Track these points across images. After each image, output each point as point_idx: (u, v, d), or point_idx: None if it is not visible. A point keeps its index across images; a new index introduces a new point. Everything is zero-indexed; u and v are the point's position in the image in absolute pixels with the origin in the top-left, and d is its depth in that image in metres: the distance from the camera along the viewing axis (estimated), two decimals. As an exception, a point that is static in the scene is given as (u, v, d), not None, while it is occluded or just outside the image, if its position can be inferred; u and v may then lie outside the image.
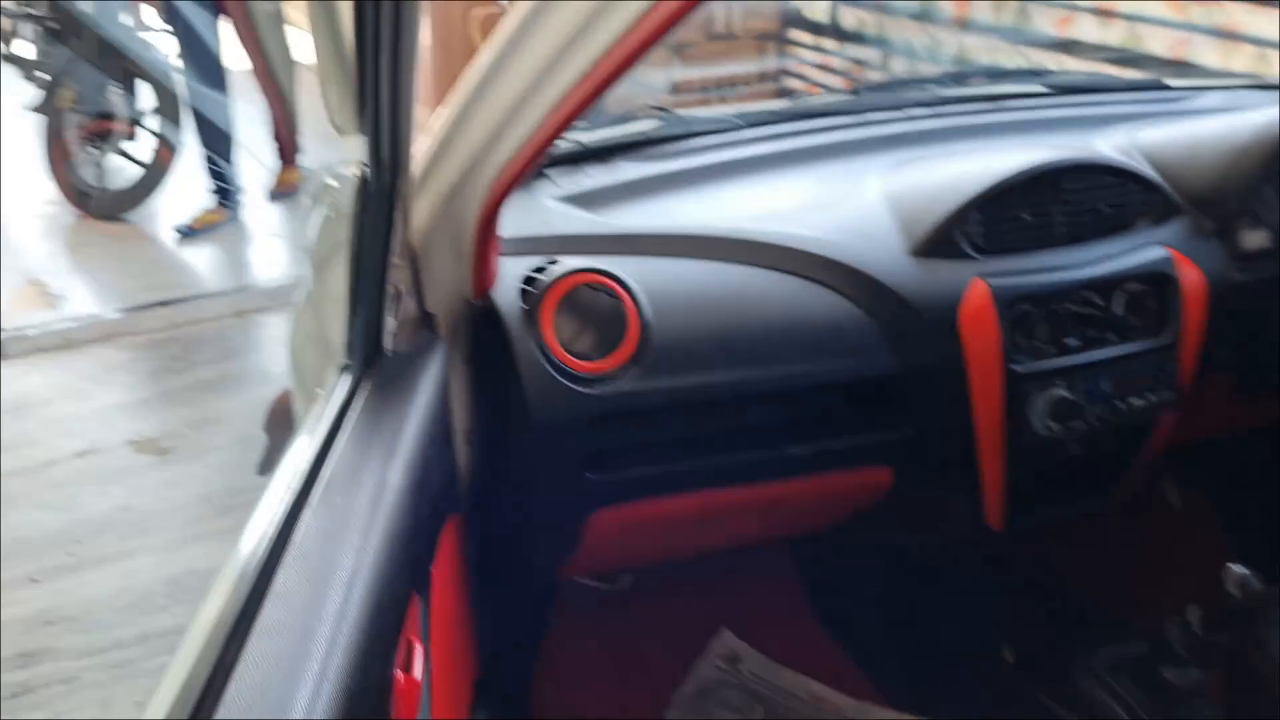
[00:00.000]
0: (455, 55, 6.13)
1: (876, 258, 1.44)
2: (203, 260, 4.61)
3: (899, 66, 5.14)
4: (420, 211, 1.25)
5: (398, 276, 1.19)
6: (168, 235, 4.79)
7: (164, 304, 4.05)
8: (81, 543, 2.81)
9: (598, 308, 1.34)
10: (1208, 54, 3.94)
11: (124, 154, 4.81)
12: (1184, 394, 1.56)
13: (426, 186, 1.24)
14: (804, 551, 2.17)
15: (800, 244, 1.43)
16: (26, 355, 3.74)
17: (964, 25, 4.78)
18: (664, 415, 1.37)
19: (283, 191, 5.15)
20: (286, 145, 5.11)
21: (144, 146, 4.83)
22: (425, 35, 6.16)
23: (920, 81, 1.96)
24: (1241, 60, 3.86)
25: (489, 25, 5.36)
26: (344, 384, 1.10)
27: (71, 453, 3.21)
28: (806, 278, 1.43)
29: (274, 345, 3.87)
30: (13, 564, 2.72)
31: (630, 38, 0.94)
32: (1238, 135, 1.61)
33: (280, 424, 2.07)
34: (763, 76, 5.62)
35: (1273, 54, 3.74)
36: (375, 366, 1.12)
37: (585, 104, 1.02)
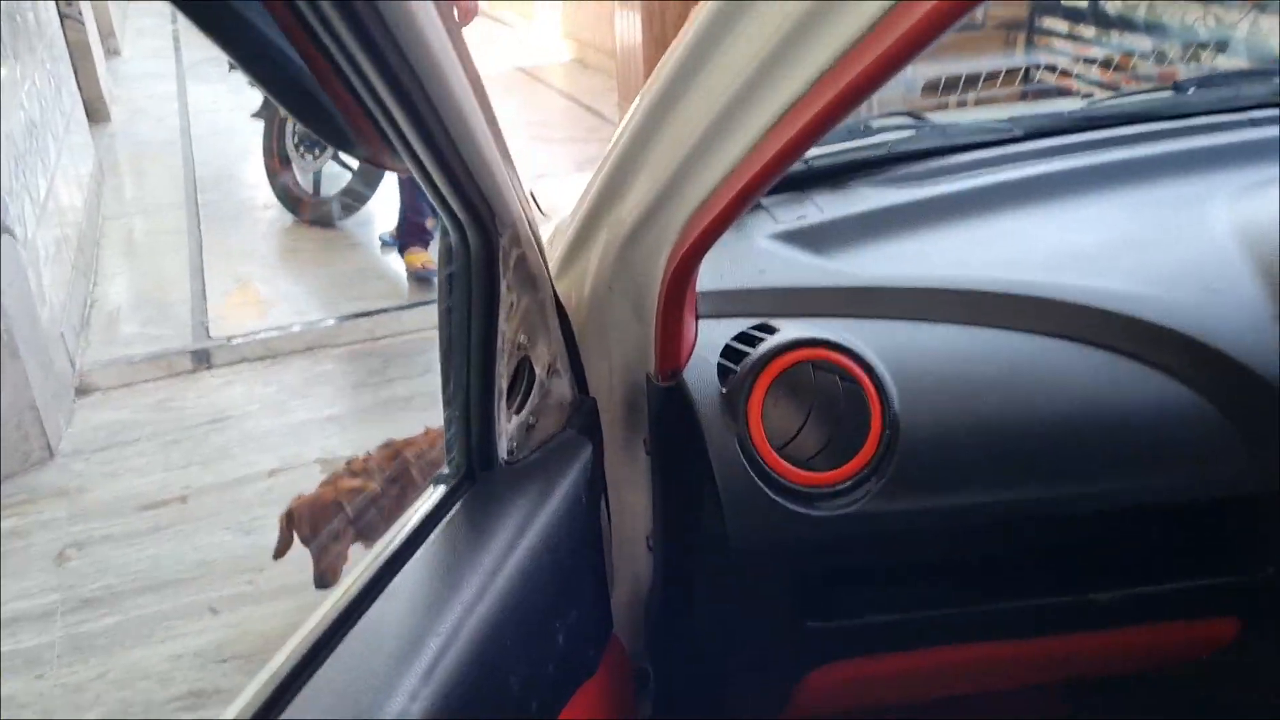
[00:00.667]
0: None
1: (1229, 324, 1.02)
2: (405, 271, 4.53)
3: (1175, 54, 4.47)
4: (589, 261, 0.93)
5: (539, 353, 0.88)
6: (375, 244, 4.74)
7: (366, 315, 3.96)
8: (262, 571, 2.68)
9: (826, 395, 0.98)
10: None
11: (340, 162, 4.80)
12: None
13: (598, 227, 0.92)
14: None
15: (1114, 303, 1.03)
16: (232, 365, 3.72)
17: (1260, 6, 4.07)
18: (916, 544, 1.00)
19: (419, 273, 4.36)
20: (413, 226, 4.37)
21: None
22: (634, 32, 5.92)
23: (1265, 74, 1.47)
24: None
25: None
26: (431, 503, 0.81)
27: (264, 470, 3.12)
28: (1124, 353, 1.02)
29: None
30: (195, 589, 2.62)
31: (892, 25, 0.59)
32: None
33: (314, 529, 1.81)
34: (1014, 74, 5.05)
35: None
36: (479, 482, 0.82)
37: (826, 122, 0.68)
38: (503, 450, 0.84)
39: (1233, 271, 1.06)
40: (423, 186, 0.71)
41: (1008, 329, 1.04)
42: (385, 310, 4.01)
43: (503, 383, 0.81)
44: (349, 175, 4.80)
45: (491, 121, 0.74)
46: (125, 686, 2.32)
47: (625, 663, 1.08)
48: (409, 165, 0.69)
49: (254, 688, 0.67)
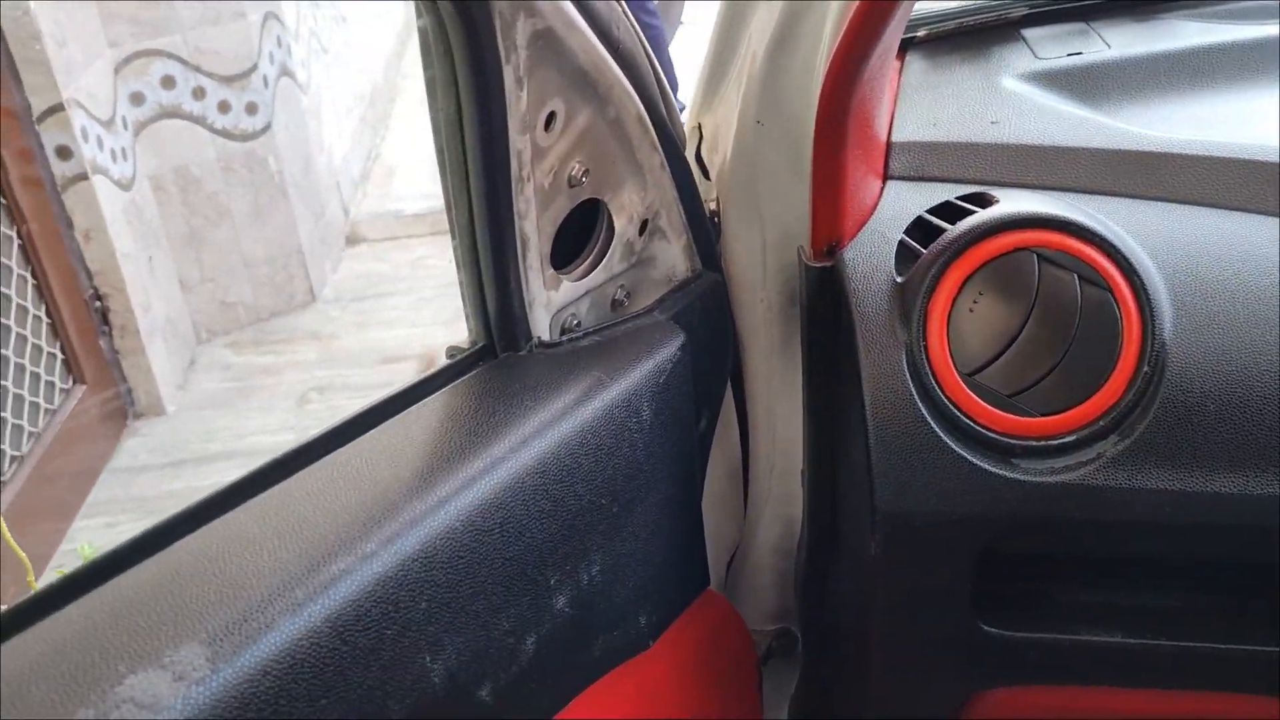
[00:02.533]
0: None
1: None
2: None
3: None
4: (724, 90, 0.66)
5: (629, 200, 0.62)
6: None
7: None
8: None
9: (1056, 301, 0.66)
10: None
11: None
12: None
13: (733, 39, 0.65)
14: None
15: None
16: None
17: None
18: (1156, 542, 0.67)
19: None
20: None
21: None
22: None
23: None
24: None
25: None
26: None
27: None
28: None
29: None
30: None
31: None
32: None
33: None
34: None
35: None
36: (501, 361, 0.60)
37: None
38: (541, 325, 0.61)
39: None
40: None
41: None
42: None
43: (527, 227, 0.57)
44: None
45: None
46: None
47: (739, 630, 0.84)
48: None
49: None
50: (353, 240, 3.60)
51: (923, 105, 0.70)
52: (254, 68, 2.94)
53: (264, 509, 0.56)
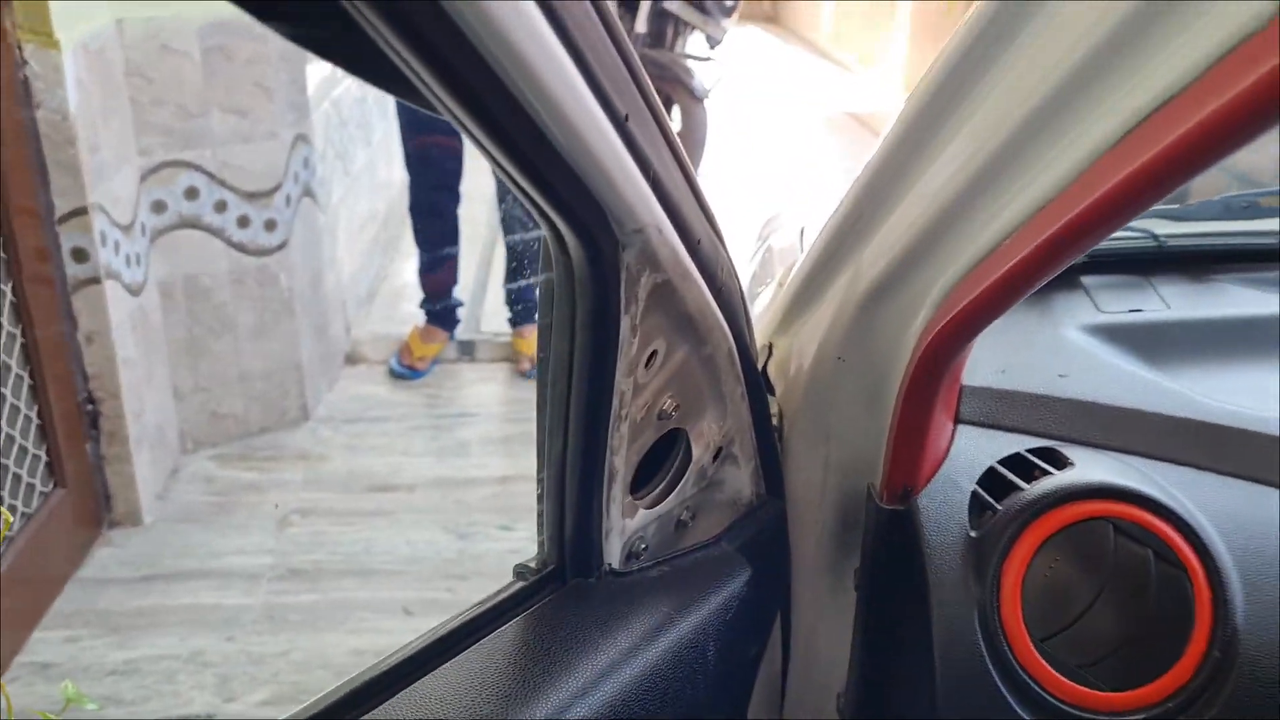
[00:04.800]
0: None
1: None
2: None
3: None
4: (801, 328, 0.67)
5: (702, 426, 0.62)
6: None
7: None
8: (465, 580, 2.58)
9: (1130, 575, 0.66)
10: None
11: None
12: None
13: (822, 285, 0.66)
14: None
15: None
16: (494, 362, 3.69)
17: None
18: None
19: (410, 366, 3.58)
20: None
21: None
22: None
23: None
24: None
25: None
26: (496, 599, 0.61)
27: (495, 475, 3.04)
28: None
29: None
30: (397, 585, 2.55)
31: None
32: None
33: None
34: None
35: None
36: (569, 587, 0.59)
37: (1164, 183, 0.44)
38: (614, 553, 0.60)
39: None
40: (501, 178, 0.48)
41: None
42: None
43: (617, 461, 0.57)
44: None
45: (654, 109, 0.50)
46: (303, 671, 2.26)
47: None
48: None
49: None
50: (352, 359, 3.60)
51: (990, 349, 0.71)
52: (278, 186, 2.98)
53: None
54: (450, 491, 2.95)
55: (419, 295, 3.63)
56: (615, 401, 0.56)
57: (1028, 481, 0.69)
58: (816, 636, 0.79)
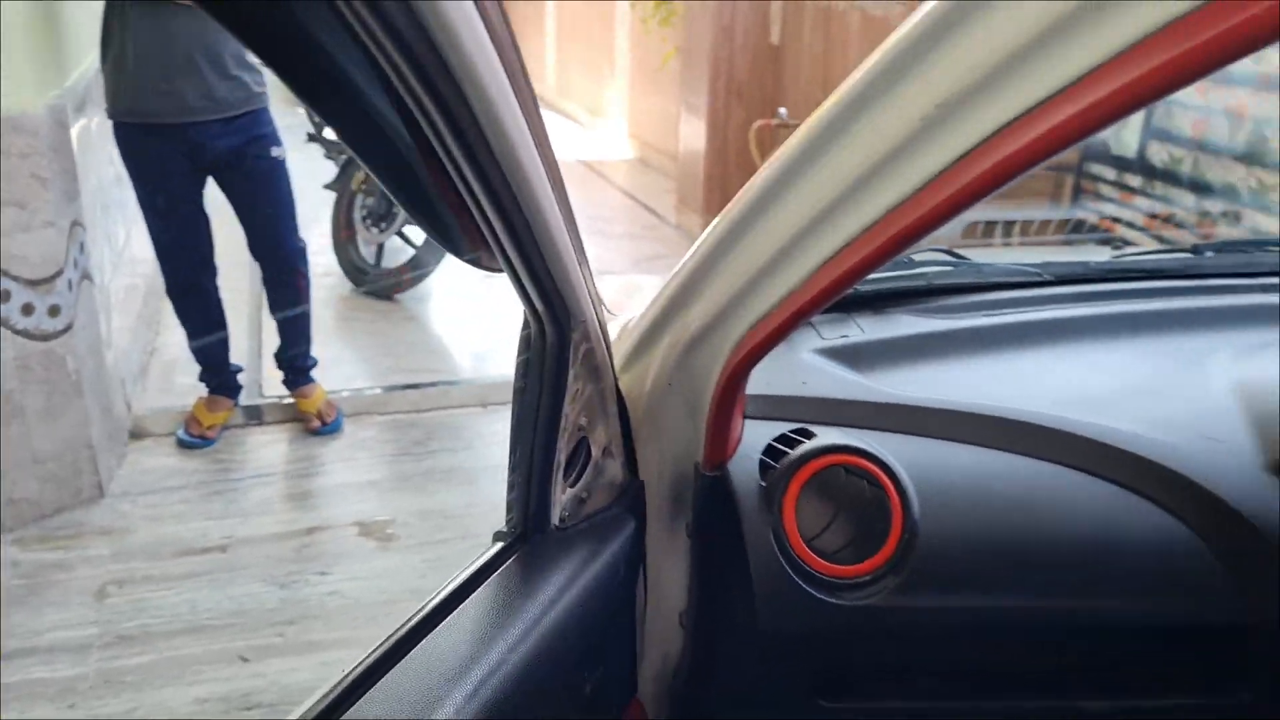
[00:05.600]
0: (731, 168, 6.09)
1: (1225, 471, 1.11)
2: (461, 346, 4.68)
3: (1216, 209, 4.60)
4: (651, 360, 1.05)
5: (597, 435, 1.00)
6: (430, 318, 4.93)
7: (414, 387, 4.10)
8: (293, 624, 2.77)
9: (854, 497, 1.09)
10: None
11: (404, 237, 5.01)
12: None
13: (663, 331, 1.04)
14: None
15: (1124, 443, 1.13)
16: (281, 424, 3.86)
17: (1301, 170, 4.22)
18: (925, 639, 1.09)
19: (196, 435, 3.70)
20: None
21: (420, 230, 5.02)
22: (698, 139, 6.16)
23: (1274, 243, 1.60)
24: None
25: (766, 138, 5.27)
26: (485, 557, 0.92)
27: (302, 528, 3.23)
28: (1127, 487, 1.12)
29: (510, 441, 3.82)
30: (228, 636, 2.71)
31: (960, 172, 0.70)
32: None
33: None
34: (1062, 223, 5.20)
35: None
36: (531, 543, 0.93)
37: (883, 256, 0.79)
38: (555, 517, 0.95)
39: (1230, 424, 1.16)
40: (512, 284, 0.84)
41: (1024, 455, 1.15)
42: (434, 384, 4.15)
43: (561, 457, 0.93)
44: (411, 250, 5.00)
45: (571, 226, 0.86)
46: (151, 725, 2.41)
47: None
48: (503, 265, 0.82)
49: (314, 699, 0.77)
50: (137, 434, 3.66)
51: (759, 371, 1.11)
52: (60, 272, 3.07)
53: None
54: (260, 547, 3.12)
55: (191, 367, 3.72)
56: (562, 420, 0.92)
57: (791, 449, 1.10)
58: (663, 572, 1.16)
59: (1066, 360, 1.31)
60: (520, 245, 0.79)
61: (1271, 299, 1.42)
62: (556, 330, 0.89)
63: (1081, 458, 1.14)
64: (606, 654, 1.02)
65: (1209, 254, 1.52)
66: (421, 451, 3.77)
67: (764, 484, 1.09)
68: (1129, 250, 1.69)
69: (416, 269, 5.04)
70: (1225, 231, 4.62)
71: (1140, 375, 1.27)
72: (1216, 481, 1.10)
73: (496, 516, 1.01)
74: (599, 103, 9.42)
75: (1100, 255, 1.60)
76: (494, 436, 3.92)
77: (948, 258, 1.52)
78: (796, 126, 0.85)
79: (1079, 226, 5.17)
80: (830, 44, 5.42)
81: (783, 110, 5.16)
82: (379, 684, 0.78)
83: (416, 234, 5.02)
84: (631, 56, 8.55)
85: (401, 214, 4.89)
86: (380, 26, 0.57)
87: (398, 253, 5.08)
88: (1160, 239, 4.81)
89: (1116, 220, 5.03)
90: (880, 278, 1.44)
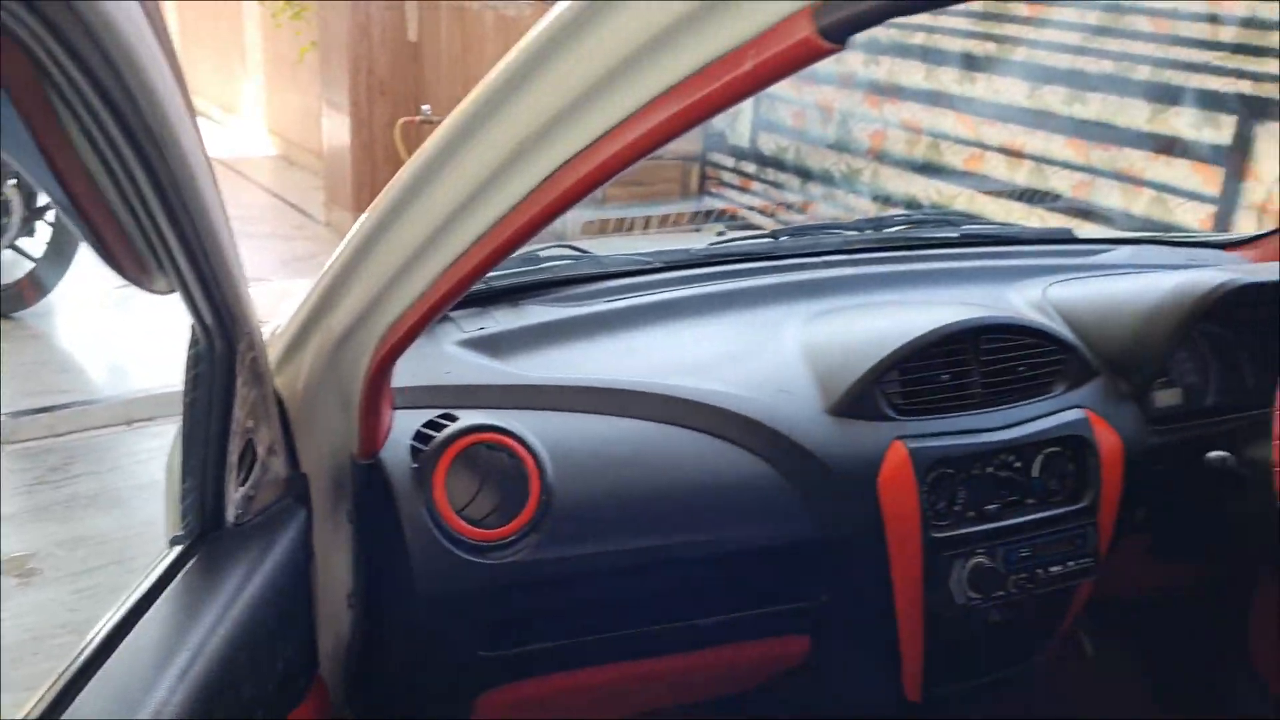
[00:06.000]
0: (378, 164, 6.08)
1: (793, 417, 1.38)
2: (97, 362, 4.40)
3: (816, 191, 5.23)
4: (303, 361, 1.15)
5: (261, 436, 1.08)
6: (58, 333, 4.58)
7: (47, 410, 3.82)
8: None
9: (496, 468, 1.24)
10: (1111, 196, 4.08)
11: (18, 250, 4.61)
12: (1101, 559, 1.52)
13: (312, 332, 1.14)
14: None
15: (714, 400, 1.36)
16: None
17: (879, 156, 4.89)
18: (566, 585, 1.27)
19: None
20: None
21: (39, 242, 4.64)
22: (343, 134, 6.10)
23: (838, 227, 1.93)
24: (1141, 204, 4.00)
25: (411, 134, 5.32)
26: (167, 560, 0.98)
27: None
28: (720, 436, 1.35)
29: (164, 458, 3.67)
30: None
31: (568, 173, 0.83)
32: (1151, 297, 1.61)
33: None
34: (685, 197, 5.66)
35: (1169, 199, 3.89)
36: (209, 542, 1.01)
37: (507, 249, 0.92)
38: (230, 515, 1.03)
39: (798, 378, 1.43)
40: (182, 299, 0.89)
41: (639, 419, 1.36)
42: (69, 405, 3.89)
43: (233, 459, 1.01)
44: (30, 263, 4.62)
45: (231, 237, 0.93)
46: None
47: (328, 707, 1.27)
48: (174, 281, 0.87)
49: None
50: None
51: (405, 365, 1.23)
52: None
53: None
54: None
55: None
56: (233, 424, 0.99)
57: (438, 432, 1.23)
58: (330, 557, 1.25)
59: (673, 335, 1.54)
60: (194, 259, 0.82)
61: (833, 273, 1.73)
62: (225, 343, 0.95)
63: (684, 415, 1.36)
64: (289, 636, 1.11)
65: (785, 238, 1.82)
66: (61, 478, 3.54)
67: (415, 466, 1.22)
68: (727, 236, 1.96)
69: (37, 283, 4.66)
70: (827, 210, 5.26)
71: (730, 343, 1.52)
72: (789, 425, 1.36)
73: (154, 535, 1.04)
74: (232, 99, 9.01)
75: (701, 243, 1.85)
76: (144, 454, 3.75)
77: (572, 251, 1.71)
78: (441, 121, 0.95)
79: (709, 214, 5.69)
80: (468, 42, 5.56)
81: (426, 107, 5.25)
82: (89, 685, 0.81)
83: (34, 246, 4.64)
84: (265, 51, 8.25)
85: (16, 226, 4.51)
86: (41, 25, 0.54)
87: (13, 266, 4.66)
88: (774, 218, 5.40)
89: (737, 205, 5.58)
90: (511, 272, 1.60)
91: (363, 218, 1.04)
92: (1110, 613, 2.06)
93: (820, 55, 0.64)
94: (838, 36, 0.63)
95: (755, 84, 0.69)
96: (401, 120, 5.39)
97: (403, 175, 0.97)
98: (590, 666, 1.33)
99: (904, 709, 1.53)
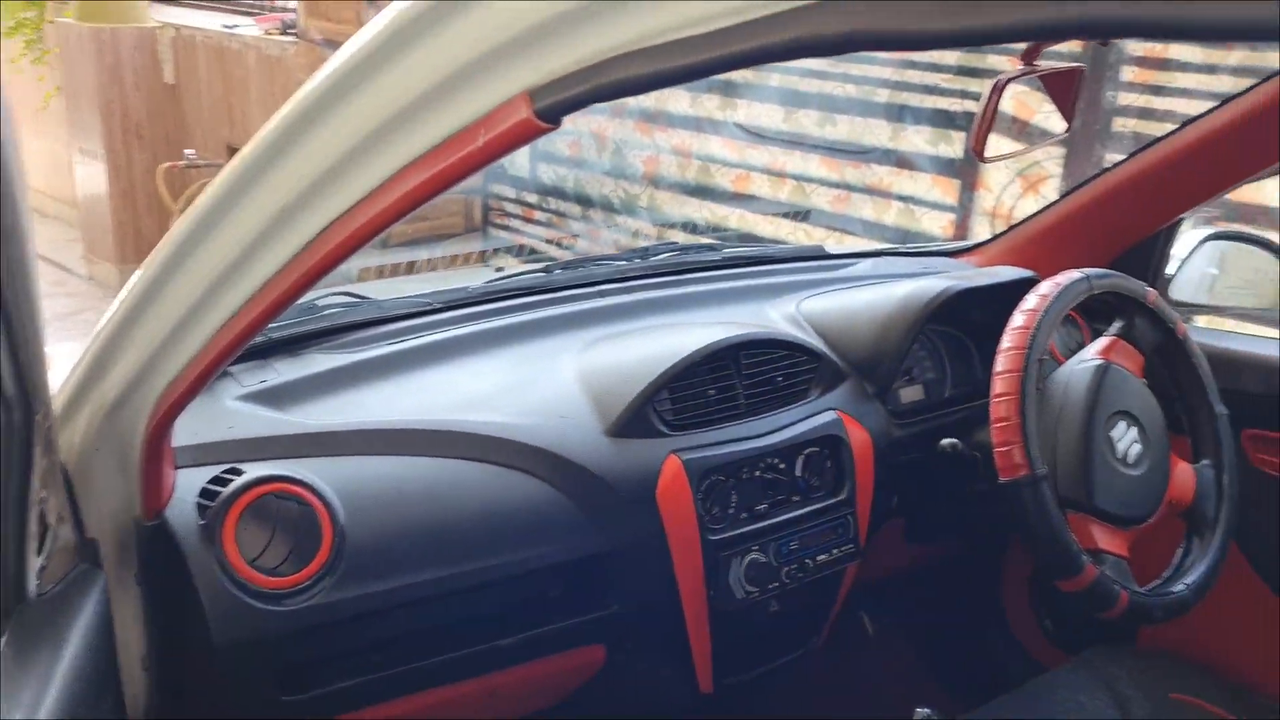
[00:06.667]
0: (140, 212, 5.82)
1: (573, 440, 1.47)
2: None
3: (597, 218, 5.39)
4: (77, 426, 1.15)
5: (50, 504, 1.08)
6: None
7: None
8: None
9: (287, 517, 1.27)
10: (865, 209, 4.41)
11: None
12: (862, 544, 1.68)
13: (85, 397, 1.14)
14: None
15: (496, 431, 1.44)
16: None
17: (654, 181, 5.10)
18: (365, 622, 1.31)
19: None
20: None
21: None
22: (101, 183, 5.82)
23: (608, 258, 2.05)
24: (891, 215, 4.35)
25: (174, 180, 5.14)
26: None
27: None
28: (506, 465, 1.43)
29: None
30: None
31: (333, 233, 0.88)
32: (887, 305, 1.79)
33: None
34: (470, 230, 5.71)
35: (915, 209, 4.25)
36: (16, 616, 1.00)
37: (280, 306, 0.95)
38: (31, 587, 1.02)
39: (577, 403, 1.52)
40: None
41: (426, 456, 1.41)
42: None
43: (32, 529, 1.00)
44: None
45: (39, 300, 0.91)
46: None
47: None
48: None
49: None
50: None
51: (184, 425, 1.24)
52: None
53: None
54: None
55: None
56: (31, 495, 0.97)
57: (224, 487, 1.25)
58: (124, 621, 1.21)
59: (454, 372, 1.60)
60: (9, 324, 0.81)
61: (605, 302, 1.84)
62: (24, 413, 0.93)
63: (471, 450, 1.42)
64: (101, 706, 1.10)
65: (558, 271, 1.92)
66: None
67: (203, 523, 1.23)
68: (505, 272, 2.03)
69: None
70: (609, 236, 5.43)
71: (510, 376, 1.60)
72: (570, 449, 1.45)
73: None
74: None
75: (480, 280, 1.92)
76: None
77: (350, 298, 1.74)
78: (206, 166, 0.97)
79: (498, 249, 5.75)
80: (230, 83, 5.42)
81: (190, 151, 5.09)
82: None
83: None
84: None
85: None
86: None
87: None
88: (560, 246, 5.52)
89: (522, 236, 5.67)
90: (290, 322, 1.62)
91: (131, 280, 1.06)
92: (882, 593, 2.26)
93: (539, 133, 0.74)
94: (552, 118, 0.73)
95: (488, 156, 0.78)
96: (164, 165, 5.21)
97: (169, 238, 0.99)
98: (399, 698, 1.38)
99: (699, 701, 1.65)
